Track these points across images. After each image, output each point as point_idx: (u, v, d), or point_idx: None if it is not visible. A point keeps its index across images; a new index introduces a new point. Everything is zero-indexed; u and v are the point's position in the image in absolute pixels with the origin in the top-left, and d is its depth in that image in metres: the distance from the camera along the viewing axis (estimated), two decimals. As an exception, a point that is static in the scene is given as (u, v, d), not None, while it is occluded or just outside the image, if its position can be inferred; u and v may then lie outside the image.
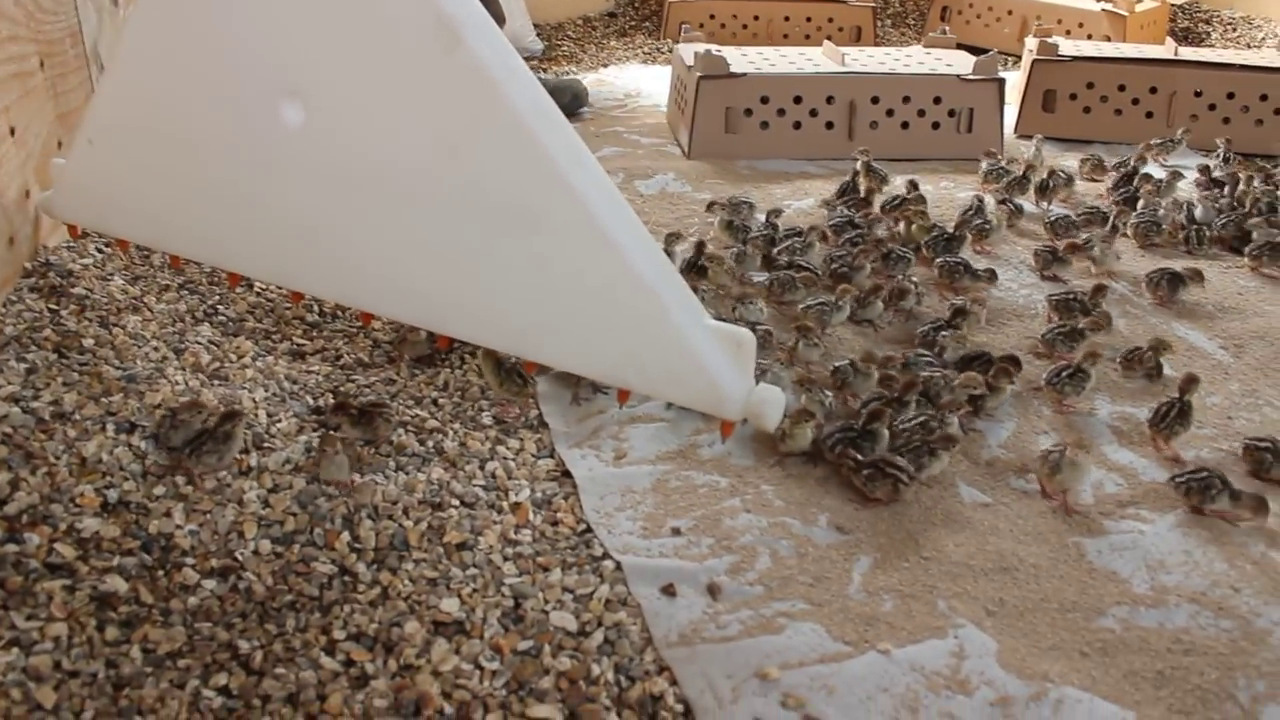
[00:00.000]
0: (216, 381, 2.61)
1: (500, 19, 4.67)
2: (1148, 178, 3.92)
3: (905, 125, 4.25)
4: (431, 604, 1.99)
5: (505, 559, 2.11)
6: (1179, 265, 3.24)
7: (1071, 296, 3.01)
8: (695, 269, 3.01)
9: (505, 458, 2.41)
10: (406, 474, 2.33)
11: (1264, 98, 4.47)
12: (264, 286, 3.08)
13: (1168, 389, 2.69)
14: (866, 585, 2.06)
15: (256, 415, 2.49)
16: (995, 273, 3.18)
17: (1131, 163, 4.02)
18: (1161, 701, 1.85)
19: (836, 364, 2.61)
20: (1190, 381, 2.57)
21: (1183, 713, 1.84)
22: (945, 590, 2.06)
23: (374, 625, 1.93)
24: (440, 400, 2.60)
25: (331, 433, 2.17)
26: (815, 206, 3.62)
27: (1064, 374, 2.66)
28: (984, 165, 3.90)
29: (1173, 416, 2.52)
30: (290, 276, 2.84)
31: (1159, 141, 4.32)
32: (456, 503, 2.26)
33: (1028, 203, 3.82)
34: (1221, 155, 4.19)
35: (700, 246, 2.98)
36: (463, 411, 2.56)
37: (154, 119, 2.76)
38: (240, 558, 2.06)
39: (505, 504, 2.26)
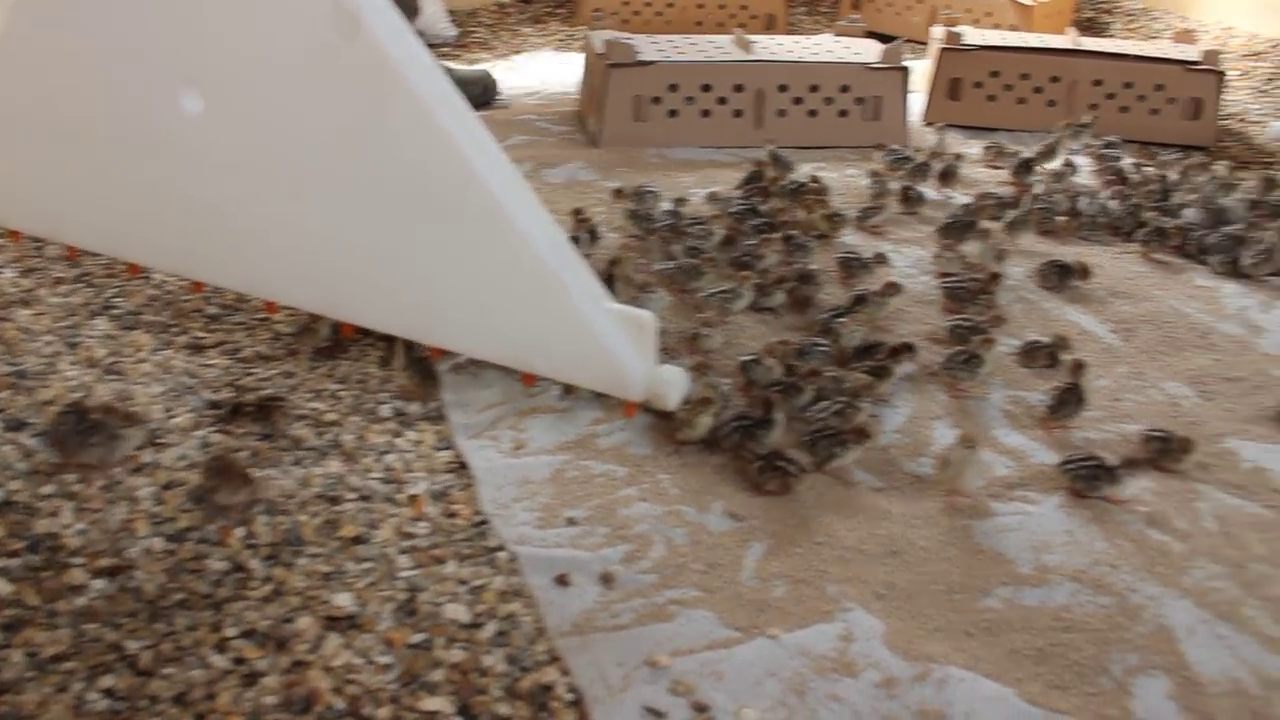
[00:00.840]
0: (111, 377, 2.58)
1: (414, 7, 4.63)
2: (1068, 162, 4.01)
3: (813, 113, 4.29)
4: (325, 599, 1.99)
5: (401, 552, 2.12)
6: (1069, 255, 3.31)
7: (963, 286, 3.06)
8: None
9: (404, 450, 2.41)
10: (303, 468, 2.32)
11: (1159, 87, 4.57)
12: (163, 278, 3.04)
13: (1058, 374, 2.74)
14: (759, 572, 2.09)
15: (151, 411, 2.47)
16: (884, 256, 3.22)
17: (1055, 150, 4.10)
18: (1040, 678, 1.91)
19: (742, 358, 2.64)
20: (1079, 367, 2.64)
21: (1060, 687, 1.89)
22: (836, 575, 2.09)
23: (266, 622, 1.93)
24: (340, 393, 2.59)
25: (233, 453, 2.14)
26: (719, 194, 3.64)
27: (959, 358, 2.71)
28: (883, 156, 3.94)
29: (1071, 404, 2.59)
30: (190, 267, 2.82)
31: (1069, 126, 4.40)
32: (353, 496, 2.25)
33: (930, 190, 3.87)
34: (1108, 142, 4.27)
35: (613, 263, 2.98)
36: (362, 404, 2.55)
37: (45, 107, 2.72)
38: (130, 556, 2.04)
39: (402, 497, 2.26)
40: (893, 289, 2.99)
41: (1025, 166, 3.98)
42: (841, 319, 2.82)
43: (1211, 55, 4.62)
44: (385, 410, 2.54)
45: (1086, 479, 2.34)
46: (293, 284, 2.52)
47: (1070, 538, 2.24)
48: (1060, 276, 3.23)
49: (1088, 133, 4.34)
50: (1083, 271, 3.23)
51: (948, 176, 3.88)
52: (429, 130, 2.14)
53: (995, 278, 3.11)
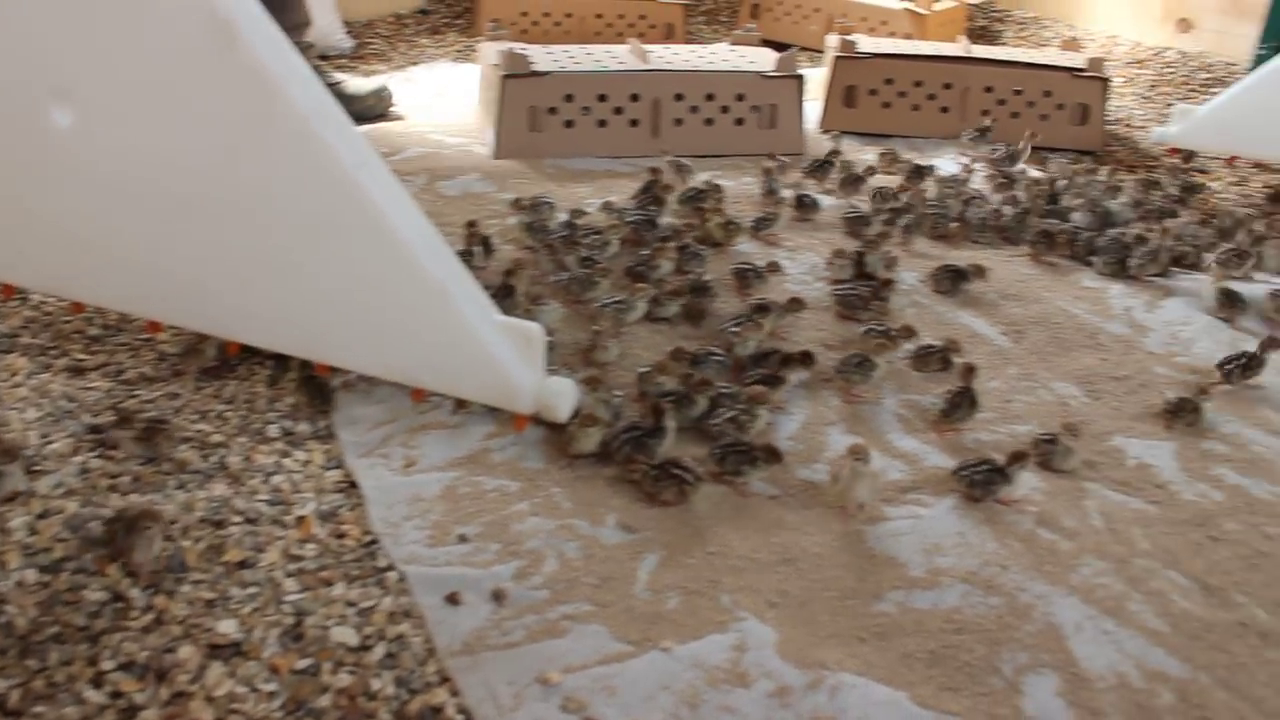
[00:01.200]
0: (-17, 403, 2.49)
1: (305, 19, 4.55)
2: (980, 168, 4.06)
3: (709, 122, 4.30)
4: (208, 626, 1.93)
5: (288, 575, 2.07)
6: (963, 259, 3.36)
7: (855, 293, 3.09)
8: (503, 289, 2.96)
9: (292, 471, 2.36)
10: (187, 491, 2.26)
11: (1048, 94, 4.67)
12: (42, 298, 2.95)
13: (950, 377, 2.77)
14: (652, 584, 2.08)
15: (28, 437, 2.38)
16: (778, 265, 3.24)
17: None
18: (933, 680, 1.92)
19: (640, 370, 2.63)
20: (970, 371, 2.67)
21: (951, 689, 1.91)
22: (729, 585, 2.09)
23: (145, 653, 1.87)
24: (226, 414, 2.53)
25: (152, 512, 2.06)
26: (614, 204, 3.63)
27: (852, 362, 2.72)
28: (770, 165, 3.94)
29: (964, 407, 2.62)
30: (68, 286, 2.73)
31: (972, 132, 4.49)
32: (239, 519, 2.20)
33: (826, 195, 3.90)
34: (1007, 150, 4.35)
35: (509, 274, 2.95)
36: (249, 424, 2.49)
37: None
38: (1, 591, 1.97)
39: (290, 518, 2.21)
40: (796, 304, 2.99)
41: (918, 172, 4.03)
42: (736, 329, 2.82)
43: (1096, 62, 4.72)
44: (273, 430, 2.48)
45: (982, 484, 2.36)
46: (174, 302, 2.45)
47: (962, 539, 2.26)
48: (953, 281, 3.27)
49: (988, 136, 4.42)
50: (978, 271, 3.27)
51: (850, 184, 3.91)
52: (308, 143, 2.10)
53: (888, 283, 3.14)
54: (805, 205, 3.74)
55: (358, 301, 2.14)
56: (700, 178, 3.86)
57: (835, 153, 4.14)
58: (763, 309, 2.92)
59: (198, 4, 2.16)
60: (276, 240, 2.19)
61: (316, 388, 2.57)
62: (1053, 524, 2.32)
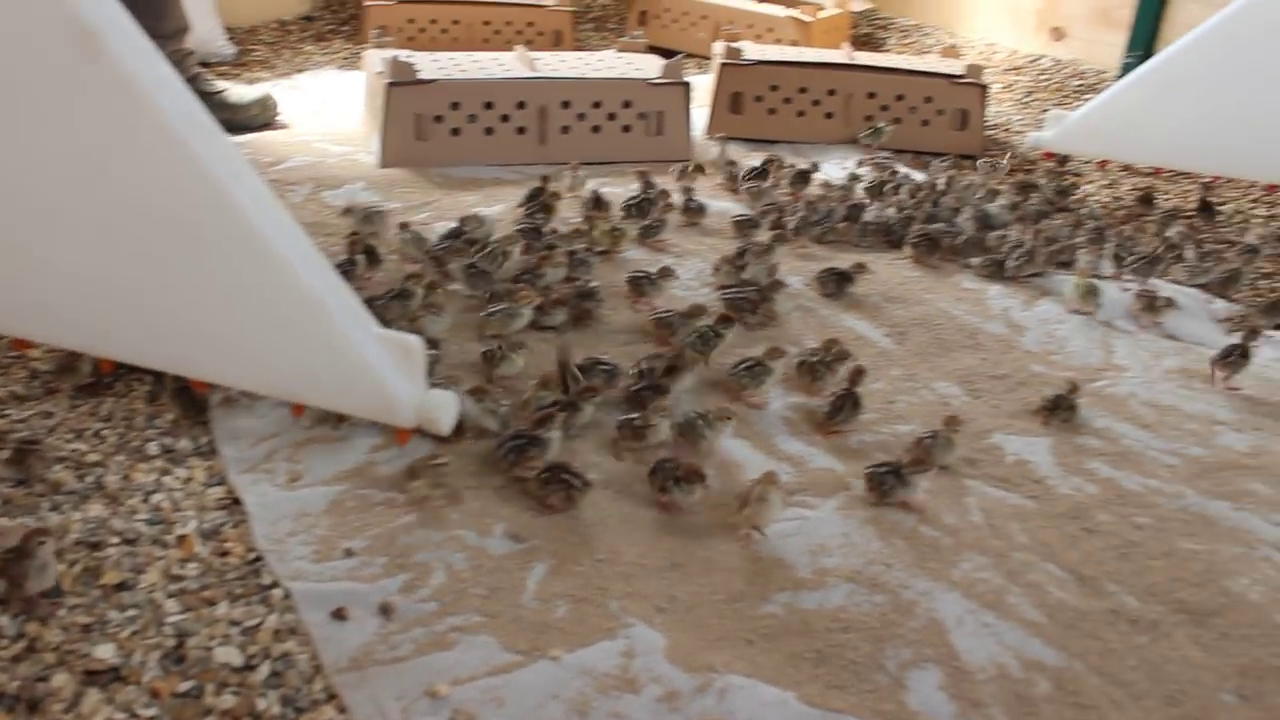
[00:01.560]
0: None
1: (183, 24, 4.45)
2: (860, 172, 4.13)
3: (596, 129, 4.31)
4: (84, 652, 1.88)
5: (169, 596, 2.02)
6: (847, 262, 3.42)
7: (744, 296, 3.12)
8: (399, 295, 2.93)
9: (172, 489, 2.30)
10: (61, 514, 2.20)
11: (929, 99, 4.78)
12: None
13: (836, 379, 2.82)
14: (540, 593, 2.08)
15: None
16: (670, 270, 3.26)
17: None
18: (819, 679, 1.95)
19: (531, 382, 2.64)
20: (858, 374, 2.72)
21: (838, 687, 1.94)
22: (617, 591, 2.10)
23: (15, 683, 1.81)
24: (103, 432, 2.46)
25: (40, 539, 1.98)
26: (506, 211, 3.63)
27: (744, 367, 2.75)
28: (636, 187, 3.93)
29: (847, 409, 2.67)
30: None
31: (868, 133, 4.58)
32: (117, 541, 2.14)
33: (713, 200, 3.94)
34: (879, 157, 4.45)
35: (400, 291, 2.93)
36: (128, 442, 2.43)
37: None
38: None
39: (171, 538, 2.16)
40: (698, 310, 3.02)
41: (802, 177, 4.10)
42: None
43: (974, 69, 4.85)
44: (153, 448, 2.42)
45: (887, 490, 2.39)
46: (41, 318, 2.38)
47: (846, 540, 2.30)
48: (838, 284, 3.33)
49: (880, 139, 4.52)
50: (860, 268, 3.33)
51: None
52: (178, 155, 2.05)
53: (776, 285, 3.18)
54: (692, 210, 3.78)
55: (231, 316, 2.10)
56: (587, 185, 3.87)
57: (772, 160, 4.21)
58: (666, 324, 2.94)
59: (63, 15, 2.10)
60: (146, 254, 2.13)
61: (190, 400, 2.52)
62: (935, 521, 2.38)
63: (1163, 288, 3.50)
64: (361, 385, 2.07)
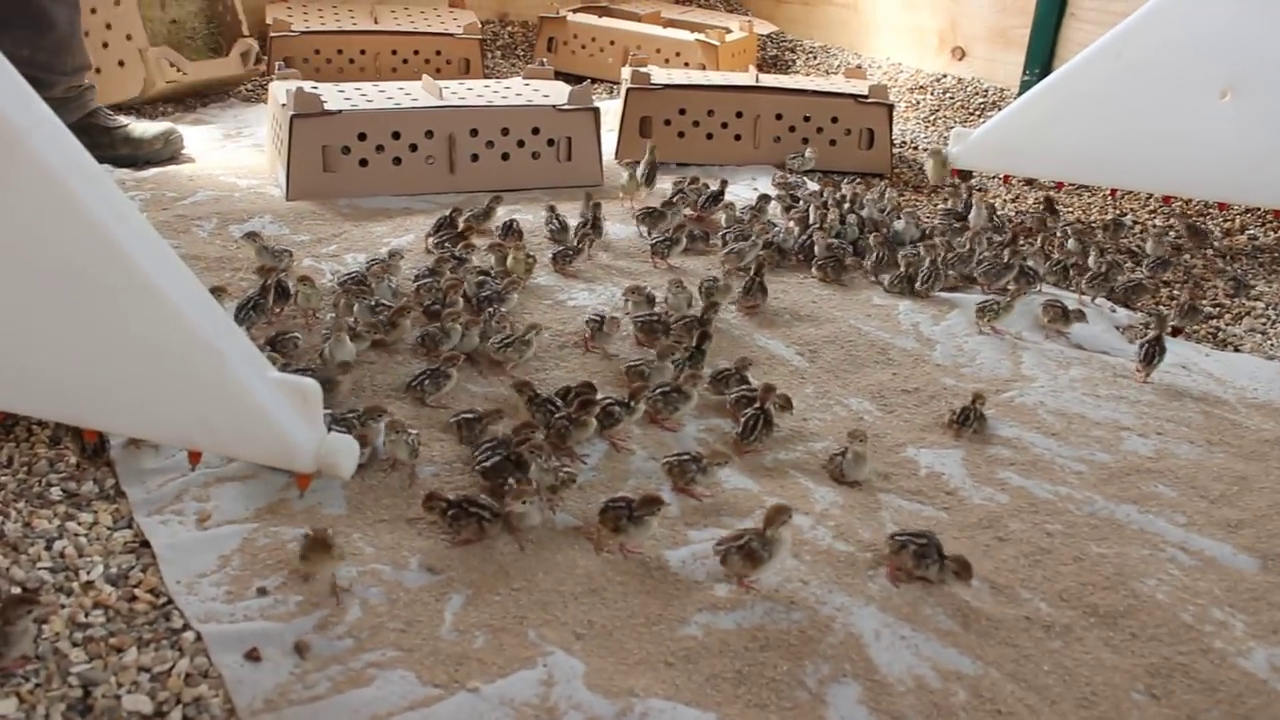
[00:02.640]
0: None
1: (84, 61, 4.36)
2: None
3: (505, 156, 4.30)
4: (-16, 708, 1.82)
5: (74, 645, 1.97)
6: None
7: (655, 319, 3.13)
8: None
9: (76, 534, 2.25)
10: (-42, 565, 2.13)
11: (835, 120, 4.84)
12: None
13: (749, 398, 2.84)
14: (458, 624, 2.06)
15: None
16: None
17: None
18: (740, 699, 1.96)
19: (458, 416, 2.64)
20: (768, 391, 2.74)
21: (759, 706, 1.94)
22: (535, 619, 2.08)
23: (-89, 742, 1.75)
24: (2, 479, 2.39)
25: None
26: (412, 243, 3.60)
27: (660, 393, 2.76)
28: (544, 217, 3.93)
29: (759, 428, 2.68)
30: None
31: (793, 157, 4.64)
32: (17, 590, 2.08)
33: (624, 224, 3.95)
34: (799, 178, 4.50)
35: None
36: (28, 488, 2.37)
37: None
38: None
39: (76, 585, 2.11)
40: (614, 324, 3.03)
41: (714, 199, 4.12)
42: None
43: (879, 89, 4.93)
44: (55, 493, 2.36)
45: (917, 555, 2.27)
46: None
47: (763, 558, 2.31)
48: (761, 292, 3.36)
49: (807, 159, 4.59)
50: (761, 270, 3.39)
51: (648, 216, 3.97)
52: (58, 200, 1.99)
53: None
54: (600, 236, 3.78)
55: (119, 363, 2.05)
56: (498, 213, 3.86)
57: (725, 182, 4.25)
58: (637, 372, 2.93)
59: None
60: (27, 301, 2.07)
61: (85, 443, 2.46)
62: (850, 536, 2.40)
63: (1067, 298, 3.58)
64: (258, 431, 2.03)
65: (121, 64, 4.92)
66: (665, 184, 4.40)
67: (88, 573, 2.14)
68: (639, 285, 3.33)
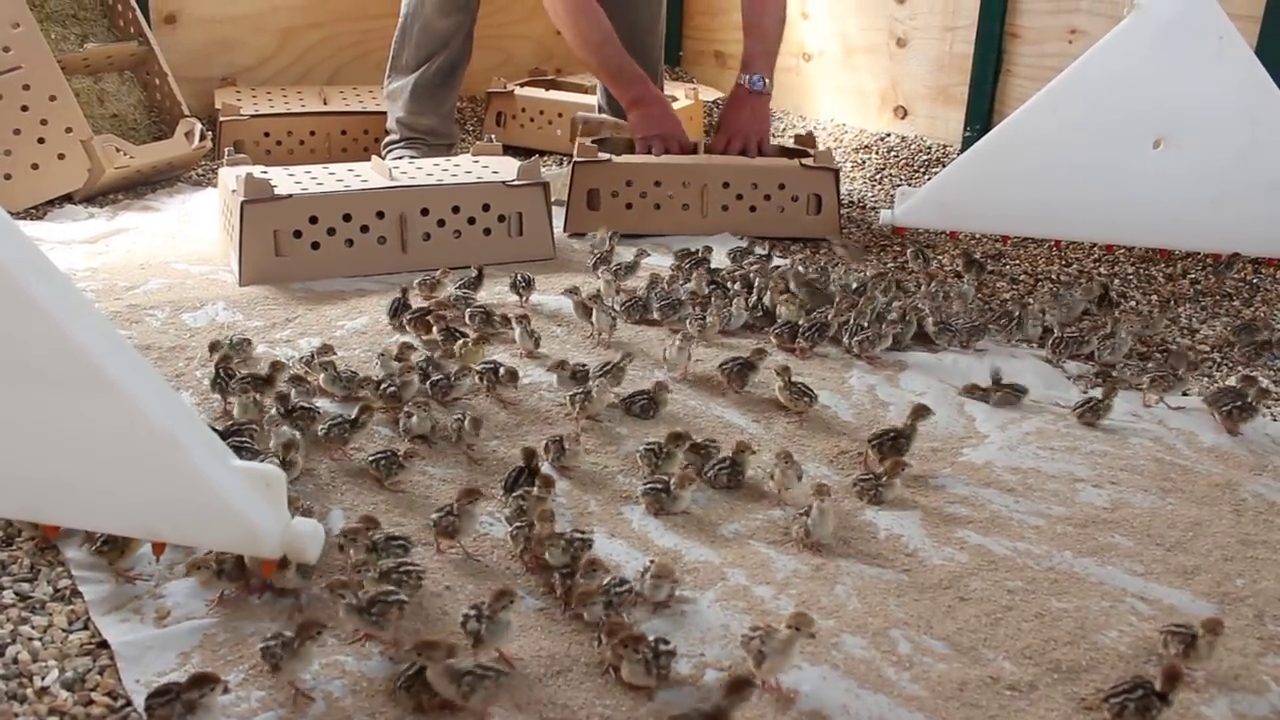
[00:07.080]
0: None
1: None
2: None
3: (458, 234, 4.33)
4: (-65, 826, 1.79)
5: (30, 754, 1.94)
6: (711, 354, 3.48)
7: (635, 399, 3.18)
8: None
9: (30, 638, 2.21)
10: (-93, 676, 2.09)
11: (782, 186, 4.90)
12: None
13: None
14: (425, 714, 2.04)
15: None
16: (515, 373, 3.27)
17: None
18: (709, 776, 1.95)
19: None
20: (743, 450, 2.83)
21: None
22: (503, 701, 2.07)
23: None
24: (-48, 584, 2.36)
25: None
26: (366, 325, 3.61)
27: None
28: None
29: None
30: None
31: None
32: (-30, 701, 2.05)
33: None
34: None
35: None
36: (-20, 593, 2.34)
37: None
38: None
39: (30, 691, 2.08)
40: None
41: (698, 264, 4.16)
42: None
43: (825, 155, 4.98)
44: (7, 596, 2.33)
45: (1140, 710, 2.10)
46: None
47: (726, 631, 2.30)
48: (741, 376, 3.37)
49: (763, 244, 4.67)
50: (760, 354, 3.40)
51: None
52: (12, 296, 2.00)
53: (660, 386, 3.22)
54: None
55: (79, 458, 2.05)
56: (448, 290, 3.89)
57: (709, 248, 4.39)
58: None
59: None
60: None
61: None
62: (812, 604, 2.40)
63: (1019, 352, 3.62)
64: (223, 520, 2.04)
65: (62, 156, 4.91)
66: (628, 254, 4.43)
67: (42, 678, 2.11)
68: (565, 361, 3.31)
